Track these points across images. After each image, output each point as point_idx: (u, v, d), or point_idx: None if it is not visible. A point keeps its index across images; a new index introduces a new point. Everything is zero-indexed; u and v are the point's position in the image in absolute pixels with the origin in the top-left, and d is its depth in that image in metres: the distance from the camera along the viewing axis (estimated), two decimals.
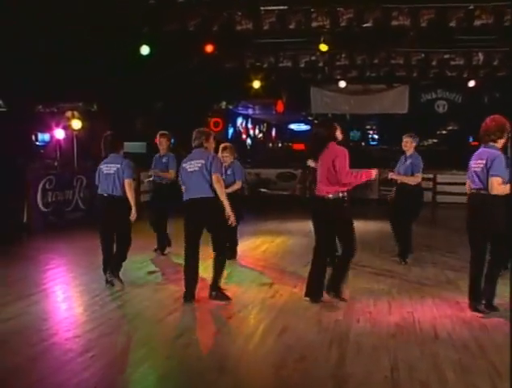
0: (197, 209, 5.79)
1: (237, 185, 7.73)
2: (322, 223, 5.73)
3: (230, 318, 5.46)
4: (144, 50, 11.58)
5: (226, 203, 5.72)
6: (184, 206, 5.87)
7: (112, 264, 6.49)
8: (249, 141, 25.20)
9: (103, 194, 6.46)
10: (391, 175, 7.71)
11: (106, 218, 6.49)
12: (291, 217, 12.58)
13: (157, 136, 8.30)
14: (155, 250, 8.37)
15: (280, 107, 18.68)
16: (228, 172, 7.53)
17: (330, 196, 5.65)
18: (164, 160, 8.21)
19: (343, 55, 14.17)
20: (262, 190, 17.13)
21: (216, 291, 5.93)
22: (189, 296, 5.88)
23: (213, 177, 5.74)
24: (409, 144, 7.71)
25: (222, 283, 6.09)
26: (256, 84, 15.40)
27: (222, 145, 7.76)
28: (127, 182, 6.40)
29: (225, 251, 6.12)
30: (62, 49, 11.93)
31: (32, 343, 4.70)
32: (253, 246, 9.40)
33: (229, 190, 7.18)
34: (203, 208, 5.78)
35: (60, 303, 6.08)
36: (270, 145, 28.23)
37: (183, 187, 5.95)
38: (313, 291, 5.84)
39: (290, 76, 15.89)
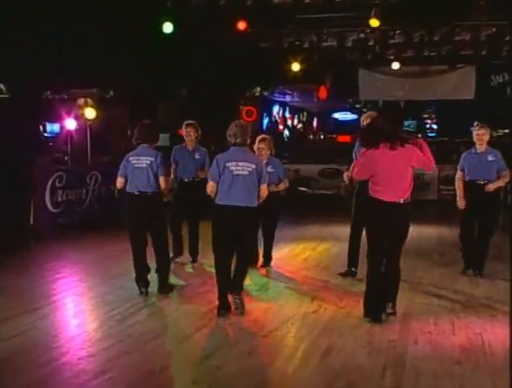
0: (240, 219, 5.81)
1: (285, 184, 7.88)
2: (386, 231, 5.61)
3: (266, 336, 5.46)
4: (167, 28, 11.67)
5: None
6: (222, 212, 5.83)
7: (161, 273, 6.73)
8: (286, 132, 25.17)
9: (134, 192, 6.54)
10: (488, 188, 7.38)
11: (138, 219, 6.56)
12: (335, 220, 12.48)
13: (183, 126, 8.34)
14: (192, 261, 8.38)
15: (323, 93, 18.63)
16: (269, 169, 7.28)
17: (401, 200, 5.58)
18: (197, 156, 8.20)
19: (397, 31, 14.01)
20: (302, 189, 17.08)
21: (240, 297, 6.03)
22: (224, 307, 5.94)
23: (262, 187, 5.87)
24: (485, 136, 7.40)
25: (256, 295, 6.09)
26: (295, 67, 15.37)
27: (260, 137, 7.71)
28: (163, 179, 6.52)
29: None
30: (73, 28, 12.10)
31: (40, 363, 4.77)
32: (292, 253, 9.39)
33: (278, 189, 7.32)
34: (246, 218, 5.85)
35: (72, 317, 6.16)
36: (311, 137, 28.14)
37: (220, 189, 5.83)
38: (375, 309, 5.71)
39: (335, 57, 15.82)
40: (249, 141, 6.06)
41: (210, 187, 5.90)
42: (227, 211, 5.79)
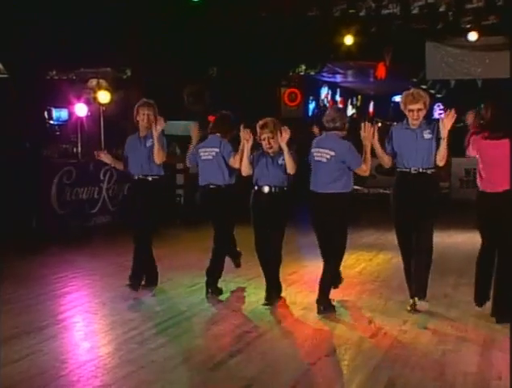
0: (322, 208, 6.82)
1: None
2: (496, 224, 6.41)
3: (314, 364, 5.43)
4: None
5: None
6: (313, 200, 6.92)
7: (213, 275, 7.52)
8: None
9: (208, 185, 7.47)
10: None
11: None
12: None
13: (136, 108, 7.79)
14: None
15: (381, 71, 18.47)
16: (280, 161, 7.07)
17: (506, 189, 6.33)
18: (149, 143, 7.70)
19: None
20: (356, 187, 16.99)
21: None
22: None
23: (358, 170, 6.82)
24: None
25: (301, 314, 6.10)
26: (348, 40, 15.31)
27: (261, 122, 7.14)
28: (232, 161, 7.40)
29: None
30: None
31: None
32: (343, 264, 9.29)
33: None
34: (329, 206, 6.82)
35: (84, 339, 6.20)
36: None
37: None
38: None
39: (397, 27, 15.67)
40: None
41: None
42: (313, 198, 6.88)
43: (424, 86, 22.58)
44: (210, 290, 7.42)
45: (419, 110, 6.55)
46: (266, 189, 7.02)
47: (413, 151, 6.62)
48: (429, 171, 6.62)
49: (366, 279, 8.51)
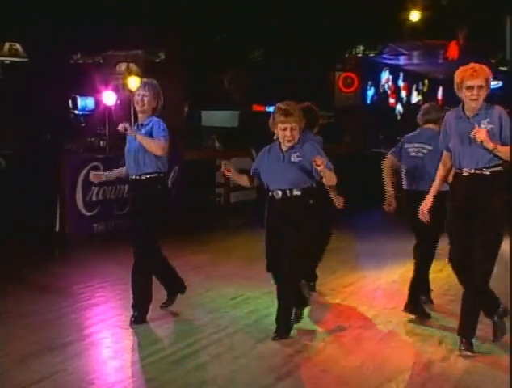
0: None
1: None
2: None
3: None
4: None
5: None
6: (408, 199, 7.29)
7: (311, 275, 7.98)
8: (399, 107, 24.89)
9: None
10: None
11: None
12: None
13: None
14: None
15: (453, 51, 18.26)
16: (293, 158, 6.65)
17: None
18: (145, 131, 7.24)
19: None
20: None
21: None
22: None
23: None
24: None
25: (358, 333, 6.01)
26: (414, 15, 15.17)
27: (282, 107, 6.57)
28: None
29: None
30: None
31: None
32: (407, 275, 9.23)
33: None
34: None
35: (112, 358, 6.23)
36: None
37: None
38: None
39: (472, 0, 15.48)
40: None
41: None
42: (413, 197, 7.08)
43: (503, 68, 22.33)
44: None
45: (480, 87, 5.91)
46: (278, 194, 6.52)
47: (466, 147, 6.01)
48: (487, 172, 5.96)
49: (435, 292, 8.39)
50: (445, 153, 6.29)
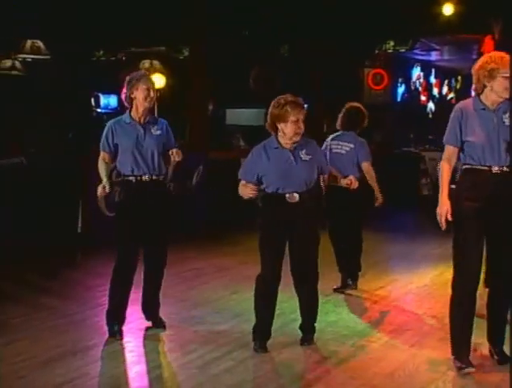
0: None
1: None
2: None
3: None
4: None
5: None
6: None
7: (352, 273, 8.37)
8: (431, 105, 24.75)
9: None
10: None
11: None
12: None
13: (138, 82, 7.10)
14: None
15: (489, 46, 18.07)
16: (303, 156, 6.53)
17: None
18: (157, 131, 7.03)
19: None
20: (453, 187, 16.80)
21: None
22: None
23: None
24: None
25: (390, 338, 5.98)
26: (447, 9, 15.05)
27: (290, 99, 6.41)
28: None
29: None
30: None
31: None
32: (442, 279, 9.18)
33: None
34: None
35: (136, 362, 6.23)
36: None
37: None
38: None
39: None
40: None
41: None
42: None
43: None
44: None
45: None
46: (295, 197, 6.29)
47: (494, 142, 5.65)
48: None
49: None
50: (452, 149, 5.82)
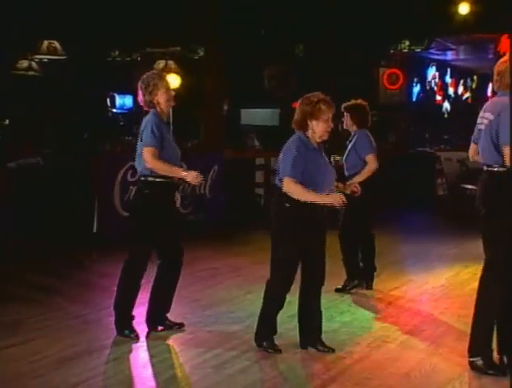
0: None
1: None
2: None
3: None
4: None
5: None
6: None
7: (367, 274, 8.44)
8: (447, 105, 24.67)
9: None
10: None
11: None
12: None
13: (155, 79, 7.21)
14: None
15: (505, 45, 18.00)
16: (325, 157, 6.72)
17: None
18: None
19: None
20: (469, 187, 16.67)
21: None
22: None
23: None
24: None
25: (404, 340, 5.90)
26: (463, 8, 14.99)
27: (322, 97, 6.40)
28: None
29: None
30: None
31: None
32: (457, 280, 9.19)
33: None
34: None
35: (151, 362, 6.25)
36: None
37: None
38: None
39: None
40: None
41: None
42: None
43: None
44: None
45: None
46: None
47: None
48: None
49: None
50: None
